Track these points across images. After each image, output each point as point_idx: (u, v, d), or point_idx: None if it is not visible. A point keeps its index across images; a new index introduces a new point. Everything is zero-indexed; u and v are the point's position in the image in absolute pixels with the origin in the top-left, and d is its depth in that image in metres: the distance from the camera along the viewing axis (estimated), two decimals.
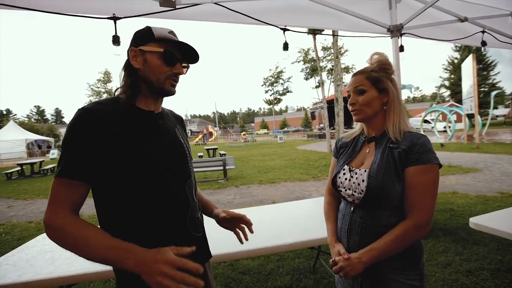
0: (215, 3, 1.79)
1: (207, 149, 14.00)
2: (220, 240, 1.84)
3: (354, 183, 1.00)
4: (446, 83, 37.99)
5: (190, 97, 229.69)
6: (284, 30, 2.05)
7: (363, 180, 0.97)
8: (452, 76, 36.06)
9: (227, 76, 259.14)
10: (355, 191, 1.00)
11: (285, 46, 2.13)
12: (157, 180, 0.83)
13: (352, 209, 1.03)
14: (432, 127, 20.14)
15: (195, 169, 7.81)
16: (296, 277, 2.47)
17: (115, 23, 1.62)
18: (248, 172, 9.03)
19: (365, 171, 0.98)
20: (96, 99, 0.95)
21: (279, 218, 2.24)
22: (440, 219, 3.65)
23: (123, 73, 0.89)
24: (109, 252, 0.71)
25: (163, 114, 0.95)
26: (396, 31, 2.23)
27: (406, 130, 1.00)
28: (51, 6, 1.56)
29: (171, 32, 0.89)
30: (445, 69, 37.33)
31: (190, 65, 0.97)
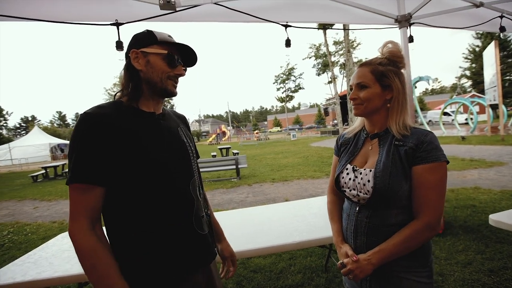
0: (215, 3, 1.79)
1: (220, 149, 14.12)
2: (230, 239, 1.87)
3: (359, 183, 0.97)
4: (467, 72, 36.19)
5: (203, 98, 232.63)
6: (286, 26, 2.02)
7: (368, 181, 0.93)
8: (474, 65, 34.30)
9: (239, 76, 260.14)
10: (360, 192, 0.96)
11: (287, 43, 2.09)
12: (161, 180, 0.84)
13: (357, 209, 0.99)
14: (453, 120, 19.27)
15: (208, 169, 7.91)
16: (308, 276, 2.45)
17: (118, 29, 1.66)
18: (261, 170, 9.03)
19: (371, 170, 0.94)
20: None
21: (290, 216, 2.23)
22: (460, 216, 3.49)
23: (123, 75, 0.90)
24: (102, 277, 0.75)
25: (164, 115, 0.96)
26: (404, 21, 2.13)
27: (411, 125, 0.96)
28: (56, 16, 1.63)
29: (170, 36, 0.92)
30: (466, 58, 35.54)
31: (188, 68, 1.00)
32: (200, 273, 0.94)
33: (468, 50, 35.09)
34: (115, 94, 0.92)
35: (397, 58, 0.98)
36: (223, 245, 1.20)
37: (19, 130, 57.39)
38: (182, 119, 1.10)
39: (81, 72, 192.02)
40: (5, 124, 35.65)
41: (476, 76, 33.00)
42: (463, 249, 2.65)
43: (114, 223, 0.84)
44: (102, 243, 0.78)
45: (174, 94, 0.92)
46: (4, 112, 33.75)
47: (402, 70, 1.01)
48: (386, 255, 0.88)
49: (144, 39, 0.88)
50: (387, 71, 0.96)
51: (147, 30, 0.90)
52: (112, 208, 0.83)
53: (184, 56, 0.95)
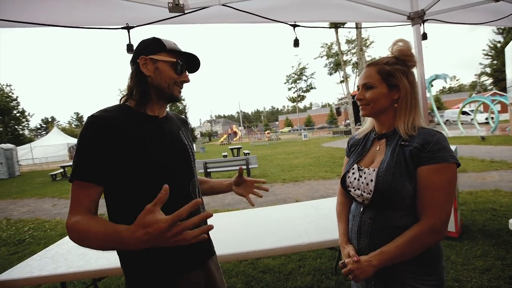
0: (223, 5, 1.80)
1: (231, 149, 14.21)
2: (238, 240, 1.88)
3: (362, 183, 0.96)
4: (488, 70, 34.74)
5: (215, 98, 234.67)
6: (294, 26, 2.01)
7: (371, 180, 0.92)
8: (495, 61, 32.87)
9: (250, 76, 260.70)
10: (364, 191, 0.95)
11: (296, 43, 2.08)
12: (162, 181, 0.83)
13: (361, 209, 0.98)
14: (472, 119, 18.53)
15: (219, 169, 7.96)
16: (317, 278, 2.42)
17: (128, 32, 1.71)
18: (272, 171, 9.01)
19: (374, 170, 0.93)
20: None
21: (299, 217, 2.21)
22: (479, 220, 3.35)
23: (131, 80, 0.94)
24: (109, 241, 0.72)
25: (167, 118, 1.01)
26: (417, 18, 2.06)
27: (420, 125, 0.93)
28: (72, 22, 1.69)
29: (175, 44, 0.98)
30: (486, 54, 34.11)
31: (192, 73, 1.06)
32: (196, 272, 0.96)
33: (489, 46, 33.67)
34: (121, 98, 0.95)
35: (407, 57, 0.96)
36: (230, 181, 1.24)
37: (39, 131, 59.97)
38: (184, 122, 1.15)
39: (96, 74, 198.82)
40: (27, 125, 37.18)
41: (498, 74, 31.62)
42: (481, 254, 2.54)
43: (116, 220, 0.84)
44: (92, 216, 0.78)
45: (179, 99, 0.98)
46: (26, 114, 35.19)
47: (413, 70, 0.98)
48: (388, 257, 0.86)
49: (153, 46, 0.92)
50: (394, 70, 0.94)
51: (155, 38, 0.94)
52: (115, 207, 0.87)
53: (188, 63, 1.00)
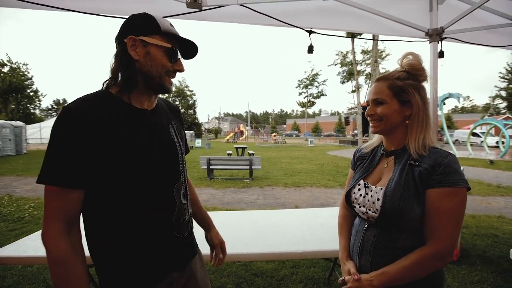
0: (241, 5, 1.80)
1: (236, 148, 14.22)
2: (233, 240, 1.87)
3: (368, 200, 0.93)
4: (503, 93, 34.01)
5: (224, 95, 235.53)
6: (310, 32, 1.99)
7: (378, 199, 0.90)
8: (511, 85, 32.22)
9: (262, 77, 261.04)
10: (369, 209, 0.93)
11: (310, 49, 2.06)
12: (144, 183, 0.79)
13: (366, 226, 0.96)
14: (482, 142, 18.19)
15: (222, 167, 7.95)
16: (309, 287, 2.39)
17: None
18: (274, 173, 8.98)
19: (381, 189, 0.90)
20: None
21: (297, 224, 2.19)
22: (480, 245, 3.28)
23: (114, 62, 0.80)
24: None
25: (157, 111, 0.89)
26: (435, 35, 2.02)
27: (431, 145, 0.90)
28: (89, 8, 1.73)
29: (171, 25, 0.84)
30: (503, 77, 33.45)
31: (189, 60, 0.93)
32: (177, 273, 0.90)
33: (507, 69, 33.01)
34: (104, 82, 0.82)
35: (418, 71, 0.92)
36: (212, 234, 1.18)
37: (50, 111, 60.90)
38: (176, 112, 1.02)
39: (108, 61, 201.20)
40: (38, 105, 37.78)
41: None
42: (478, 280, 2.48)
43: (91, 221, 0.79)
44: (75, 250, 0.72)
45: (169, 91, 0.85)
46: (39, 94, 35.78)
47: (424, 84, 0.94)
48: (389, 278, 0.84)
49: (145, 26, 0.78)
50: (406, 85, 0.91)
51: (147, 15, 0.80)
52: (91, 207, 0.77)
53: (183, 48, 0.87)
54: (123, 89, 0.79)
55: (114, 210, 0.77)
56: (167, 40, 0.81)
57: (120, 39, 0.80)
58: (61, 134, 0.70)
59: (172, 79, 0.86)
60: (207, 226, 1.19)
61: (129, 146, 0.76)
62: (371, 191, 0.94)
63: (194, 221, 1.08)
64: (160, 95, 0.95)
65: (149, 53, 0.79)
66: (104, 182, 0.75)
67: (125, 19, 0.83)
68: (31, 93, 34.58)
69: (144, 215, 0.80)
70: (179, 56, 0.86)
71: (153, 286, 0.83)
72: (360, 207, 0.97)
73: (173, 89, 0.95)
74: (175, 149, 0.91)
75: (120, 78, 0.80)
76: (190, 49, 0.88)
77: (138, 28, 0.78)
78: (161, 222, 0.84)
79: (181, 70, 0.87)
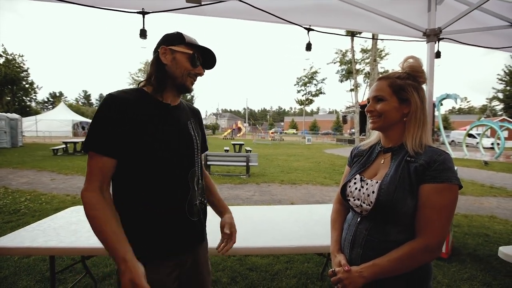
0: (240, 0, 1.79)
1: (234, 144, 14.22)
2: None
3: (363, 193, 0.96)
4: (500, 95, 34.36)
5: (222, 92, 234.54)
6: (308, 30, 2.00)
7: (373, 192, 0.92)
8: (508, 88, 32.49)
9: (261, 73, 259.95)
10: (363, 202, 0.96)
11: (308, 47, 2.07)
12: (163, 164, 0.96)
13: (358, 220, 0.99)
14: (477, 143, 18.36)
15: (218, 162, 8.05)
16: (302, 282, 2.43)
17: (143, 17, 1.71)
18: (271, 170, 9.01)
19: (377, 182, 0.93)
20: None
21: (291, 220, 2.22)
22: (471, 244, 3.34)
23: (151, 67, 1.02)
24: (111, 247, 0.83)
25: (179, 108, 1.08)
26: (433, 35, 2.04)
27: (428, 144, 0.93)
28: (87, 0, 1.70)
29: (196, 40, 1.06)
30: (501, 79, 33.70)
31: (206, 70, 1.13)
32: (185, 254, 1.04)
33: (504, 71, 33.25)
34: (140, 83, 1.05)
35: (418, 73, 0.97)
36: (226, 218, 1.26)
37: (46, 104, 60.36)
38: (196, 113, 1.21)
39: (107, 55, 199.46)
40: (34, 97, 37.29)
41: (510, 100, 31.28)
42: (468, 278, 2.54)
43: (119, 188, 0.95)
44: (107, 202, 0.89)
45: (190, 90, 1.04)
46: (34, 86, 35.31)
47: (423, 86, 0.99)
48: (379, 270, 0.87)
49: (174, 39, 1.00)
50: (406, 85, 0.95)
51: (178, 32, 1.02)
52: (120, 176, 0.94)
53: (205, 60, 1.07)
54: (155, 88, 1.00)
55: (138, 181, 0.94)
56: (190, 48, 1.01)
57: (155, 50, 1.02)
58: (103, 113, 0.89)
59: (194, 82, 1.05)
60: (223, 211, 1.29)
61: (153, 131, 0.94)
62: (367, 184, 0.97)
63: (212, 212, 1.23)
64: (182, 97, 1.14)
65: (175, 58, 1.00)
66: (132, 157, 0.92)
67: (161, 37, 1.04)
68: (27, 85, 34.12)
69: (162, 191, 0.96)
70: (200, 63, 1.04)
71: (165, 258, 0.98)
72: (354, 200, 0.99)
73: None
74: (192, 140, 1.07)
75: (153, 80, 1.00)
76: (210, 61, 1.08)
77: (168, 41, 1.01)
78: (175, 203, 0.99)
79: (201, 74, 1.06)
